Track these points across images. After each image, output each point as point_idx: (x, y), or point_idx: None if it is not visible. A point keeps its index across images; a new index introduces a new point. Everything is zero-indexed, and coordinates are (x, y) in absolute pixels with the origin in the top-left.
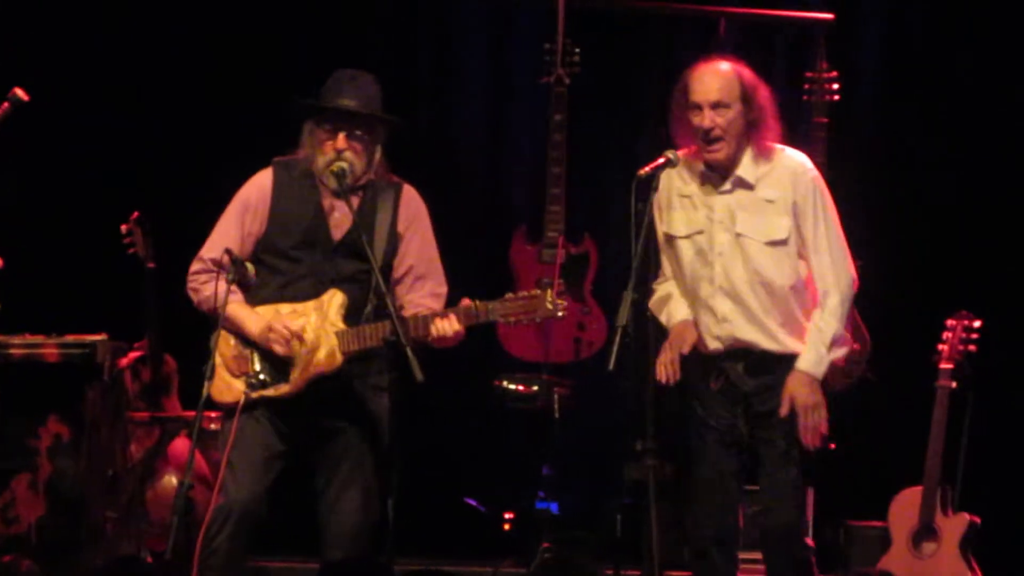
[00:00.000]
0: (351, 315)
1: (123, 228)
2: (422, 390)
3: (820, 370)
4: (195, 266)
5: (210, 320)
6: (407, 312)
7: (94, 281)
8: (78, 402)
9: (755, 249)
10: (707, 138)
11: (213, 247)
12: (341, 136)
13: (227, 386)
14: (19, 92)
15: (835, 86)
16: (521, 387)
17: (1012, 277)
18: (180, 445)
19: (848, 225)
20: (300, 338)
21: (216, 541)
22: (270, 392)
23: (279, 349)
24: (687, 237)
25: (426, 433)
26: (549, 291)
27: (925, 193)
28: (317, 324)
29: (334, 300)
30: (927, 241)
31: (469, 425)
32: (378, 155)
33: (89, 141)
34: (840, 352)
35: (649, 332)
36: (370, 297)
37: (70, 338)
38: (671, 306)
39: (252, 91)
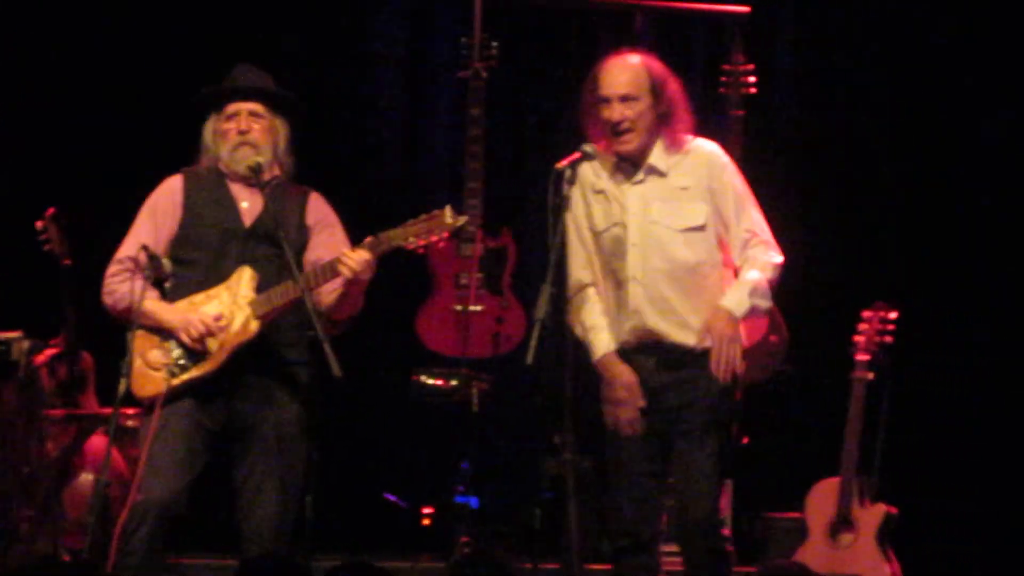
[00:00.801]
0: (262, 290)
1: (38, 225)
2: (341, 385)
3: (740, 311)
4: (111, 268)
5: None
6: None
7: (9, 278)
8: None
9: (670, 237)
10: (616, 130)
11: (128, 248)
12: (242, 116)
13: (148, 379)
14: None
15: (751, 79)
16: (440, 382)
17: (928, 268)
18: (97, 443)
19: (764, 217)
20: (219, 329)
21: (133, 538)
22: (193, 373)
23: (197, 346)
24: (606, 231)
25: (345, 428)
26: (448, 207)
27: (840, 185)
28: (229, 300)
29: (243, 275)
30: (843, 233)
31: (388, 420)
32: (283, 144)
33: (3, 137)
34: (764, 303)
35: (567, 325)
36: (281, 276)
37: None
38: (595, 336)
39: (167, 87)
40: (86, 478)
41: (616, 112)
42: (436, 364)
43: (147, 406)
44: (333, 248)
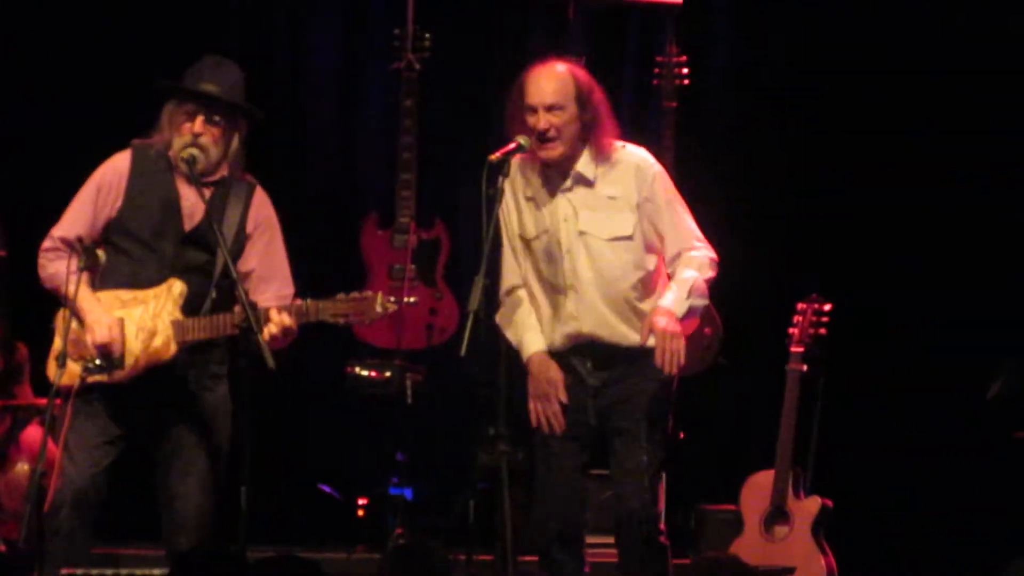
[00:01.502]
0: (190, 305)
1: None
2: (274, 377)
3: (680, 309)
4: (46, 243)
5: (55, 301)
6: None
7: None
8: None
9: (598, 246)
10: (542, 138)
11: (65, 226)
12: (199, 119)
13: (65, 369)
14: None
15: (684, 70)
16: (374, 373)
17: (862, 260)
18: (32, 432)
19: (697, 209)
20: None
21: (55, 523)
22: (103, 378)
23: (108, 348)
24: (536, 238)
25: (279, 420)
26: (380, 295)
27: (775, 176)
28: (155, 312)
29: (173, 289)
30: (777, 225)
31: (322, 411)
32: (235, 145)
33: None
34: (701, 302)
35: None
36: (211, 290)
37: None
38: (525, 335)
39: (105, 74)
40: (22, 468)
41: (542, 121)
42: (370, 355)
43: (64, 394)
44: (266, 259)
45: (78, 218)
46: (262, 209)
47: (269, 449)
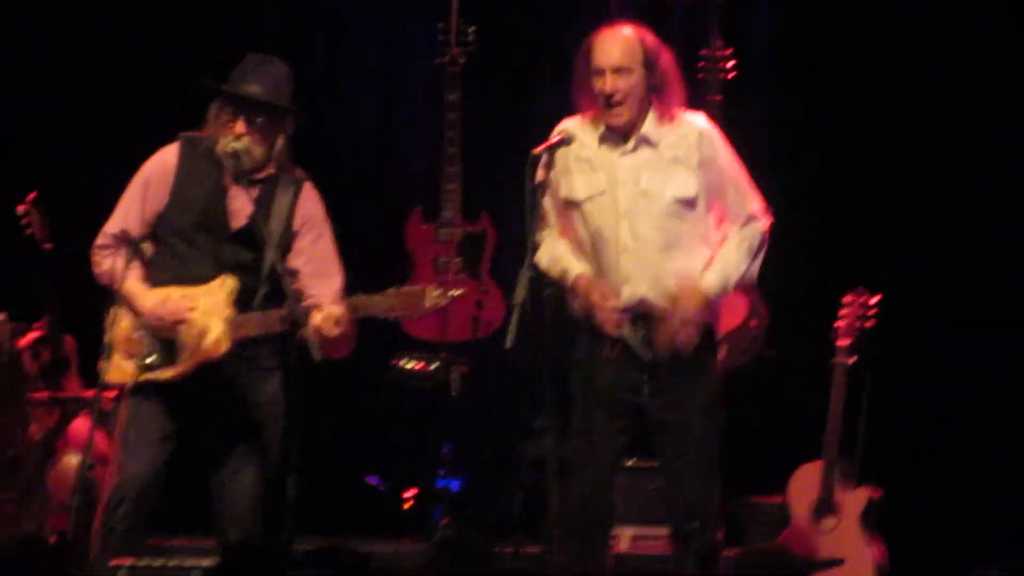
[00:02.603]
0: (241, 302)
1: (20, 209)
2: (321, 370)
3: (715, 295)
4: (100, 239)
5: (106, 298)
6: (317, 310)
7: None
8: None
9: (661, 207)
10: (609, 102)
11: (116, 222)
12: (240, 122)
13: (117, 367)
14: None
15: (729, 64)
16: (419, 366)
17: (908, 252)
18: (80, 425)
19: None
20: (182, 321)
21: (114, 521)
22: (158, 375)
23: (165, 334)
24: (588, 200)
25: (326, 412)
26: (429, 289)
27: (821, 168)
28: (207, 309)
29: (225, 285)
30: (824, 217)
31: (369, 404)
32: (279, 145)
33: None
34: (739, 283)
35: (546, 310)
36: (261, 286)
37: None
38: (565, 261)
39: (150, 70)
40: (70, 460)
41: (609, 84)
42: (415, 348)
43: (120, 392)
44: (314, 257)
45: (129, 213)
46: (310, 205)
47: (316, 441)
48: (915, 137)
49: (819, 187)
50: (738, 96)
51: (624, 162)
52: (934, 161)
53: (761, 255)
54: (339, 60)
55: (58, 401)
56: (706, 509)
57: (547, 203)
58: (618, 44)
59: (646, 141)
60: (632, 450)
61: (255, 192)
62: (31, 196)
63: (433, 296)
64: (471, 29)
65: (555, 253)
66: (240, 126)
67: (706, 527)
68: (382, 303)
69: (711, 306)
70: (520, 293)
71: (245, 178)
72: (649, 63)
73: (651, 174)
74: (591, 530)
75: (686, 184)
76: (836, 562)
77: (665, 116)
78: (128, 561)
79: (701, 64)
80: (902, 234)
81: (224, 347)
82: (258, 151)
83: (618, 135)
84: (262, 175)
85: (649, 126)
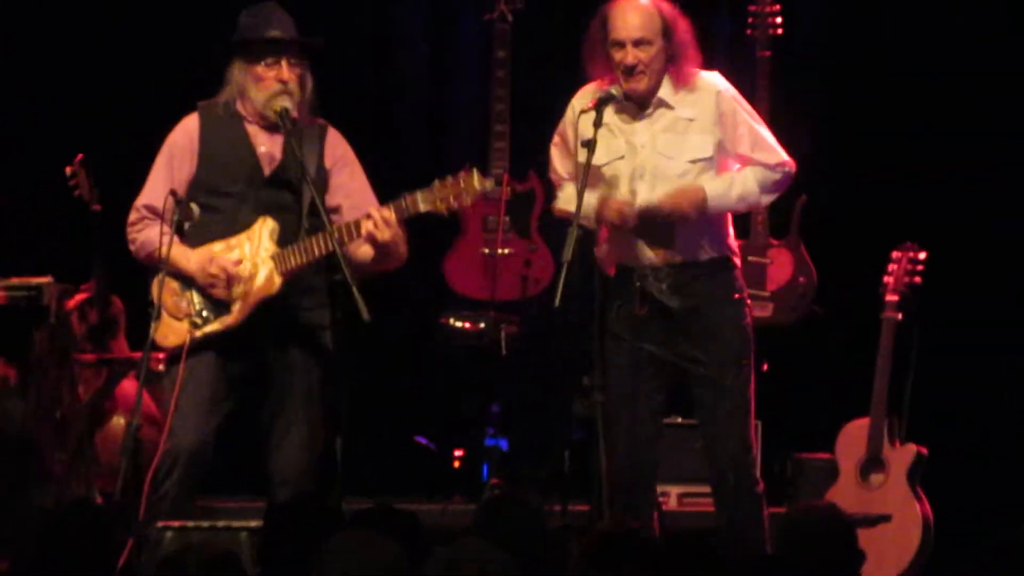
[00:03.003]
0: (284, 241)
1: (67, 170)
2: (369, 329)
3: (714, 203)
4: (132, 216)
5: (149, 271)
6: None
7: (39, 223)
8: (25, 345)
9: (678, 168)
10: (629, 72)
11: (147, 195)
12: (284, 64)
13: (170, 329)
14: None
15: (778, 19)
16: (468, 324)
17: (957, 208)
18: (128, 386)
19: (792, 158)
20: (237, 279)
21: (165, 484)
22: (215, 326)
23: (219, 292)
24: (607, 164)
25: (374, 372)
26: (475, 171)
27: (870, 125)
28: (251, 252)
29: (265, 226)
30: (872, 173)
31: (417, 363)
32: (310, 87)
33: (33, 82)
34: (741, 205)
35: (595, 268)
36: (302, 221)
37: (16, 281)
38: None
39: (193, 29)
40: (118, 422)
41: (630, 56)
42: (464, 307)
43: (170, 355)
44: (352, 191)
45: (156, 185)
46: (338, 146)
47: (365, 401)
48: (965, 88)
49: (868, 142)
50: (787, 52)
51: (641, 126)
52: (985, 113)
53: (775, 192)
54: (388, 19)
55: (106, 362)
56: (743, 459)
57: (557, 153)
58: (638, 16)
59: (663, 104)
60: (676, 408)
61: (280, 138)
62: (78, 158)
63: (481, 179)
64: None
65: (568, 193)
66: (285, 71)
67: (744, 478)
68: (430, 196)
69: (703, 208)
70: (569, 251)
71: (291, 128)
72: (668, 33)
73: (668, 136)
74: (635, 489)
75: (703, 145)
76: (883, 518)
77: (680, 79)
78: (175, 523)
79: (750, 20)
80: (951, 189)
81: (277, 283)
82: (298, 95)
83: (634, 101)
84: (292, 116)
85: (666, 90)
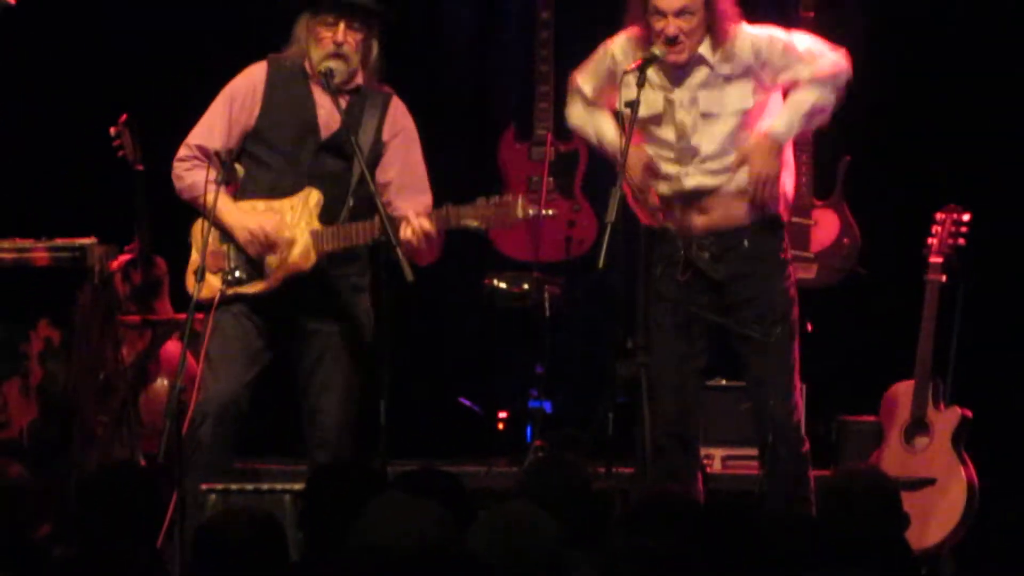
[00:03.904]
0: (327, 214)
1: (111, 131)
2: (413, 290)
3: (787, 135)
4: (181, 151)
5: (190, 215)
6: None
7: (83, 184)
8: (69, 306)
9: (724, 128)
10: (671, 42)
11: (200, 134)
12: (341, 27)
13: (204, 282)
14: None
15: None
16: (511, 286)
17: (1001, 170)
18: (172, 348)
19: (834, 120)
20: (275, 245)
21: (197, 435)
22: (245, 289)
23: (253, 250)
24: (646, 120)
25: (418, 334)
26: (521, 198)
27: (913, 86)
28: (292, 222)
29: (311, 198)
30: (916, 135)
31: (461, 325)
32: (374, 54)
33: (77, 43)
34: (817, 120)
35: (641, 229)
36: (348, 198)
37: (60, 242)
38: (600, 123)
39: None
40: (161, 383)
41: (672, 27)
42: (508, 268)
43: (204, 307)
44: (405, 169)
45: (214, 127)
46: (399, 119)
47: (408, 363)
48: (1015, 48)
49: (912, 103)
50: (831, 10)
51: (680, 83)
52: None
53: (836, 85)
54: None
55: (150, 324)
56: (789, 419)
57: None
58: None
59: (701, 62)
60: (721, 370)
61: (343, 103)
62: (123, 118)
63: (524, 207)
64: None
65: (588, 112)
66: (340, 33)
67: (789, 438)
68: (472, 213)
69: (779, 152)
70: (612, 212)
71: (336, 92)
72: (709, 4)
73: (708, 93)
74: (678, 452)
75: (743, 96)
76: (928, 481)
77: (719, 39)
78: (219, 485)
79: None
80: (996, 150)
81: (312, 260)
82: (354, 60)
83: (673, 67)
84: (351, 86)
85: (704, 48)
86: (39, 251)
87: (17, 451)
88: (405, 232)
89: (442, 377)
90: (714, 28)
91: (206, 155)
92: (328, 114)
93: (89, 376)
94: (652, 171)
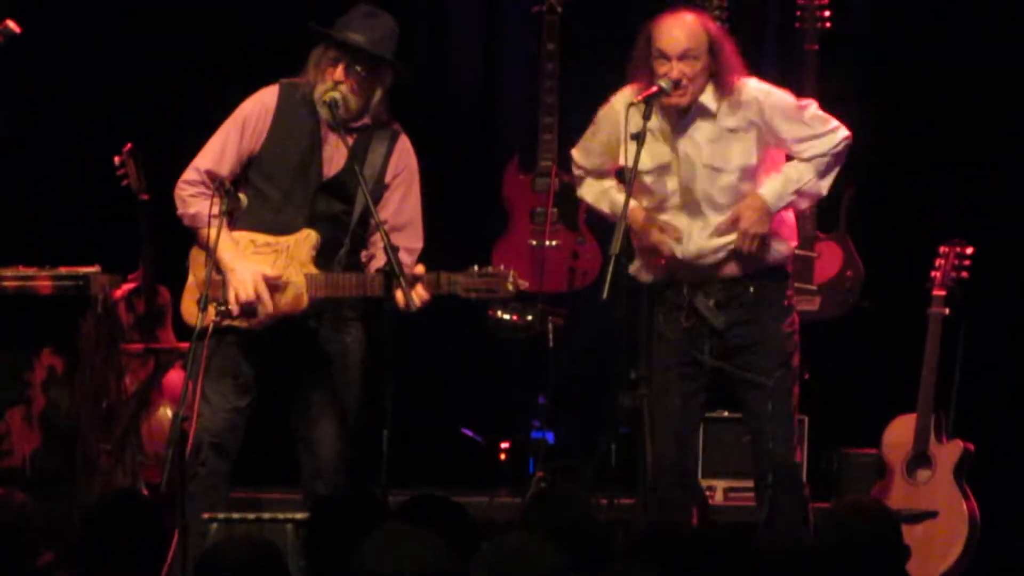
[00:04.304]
0: (324, 256)
1: (116, 160)
2: (417, 320)
3: (778, 204)
4: (189, 174)
5: (194, 240)
6: (376, 263)
7: (87, 213)
8: (72, 335)
9: (728, 181)
10: (674, 87)
11: (210, 158)
12: (341, 67)
13: (196, 308)
14: (11, 24)
15: (827, 13)
16: (515, 316)
17: (1004, 204)
18: (174, 377)
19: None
20: (267, 299)
21: (195, 467)
22: (237, 322)
23: (243, 297)
24: (650, 171)
25: (421, 363)
26: (512, 273)
27: (918, 120)
28: (287, 263)
29: (308, 240)
30: (920, 168)
31: (464, 355)
32: (377, 97)
33: (82, 71)
34: (806, 202)
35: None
36: (346, 240)
37: (63, 270)
38: (613, 197)
39: (245, 20)
40: (164, 412)
41: (675, 70)
42: (512, 299)
43: (197, 334)
44: (399, 211)
45: (225, 151)
46: (403, 158)
47: (411, 393)
48: (1016, 84)
49: (916, 136)
50: (835, 45)
51: (684, 135)
52: None
53: (834, 167)
54: (437, 7)
55: (153, 352)
56: (789, 463)
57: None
58: (684, 31)
59: (704, 112)
60: (723, 402)
61: (350, 141)
62: (127, 147)
63: (515, 280)
64: None
65: (600, 187)
66: (339, 72)
67: (790, 482)
68: (464, 282)
69: (769, 215)
70: (616, 244)
71: (341, 127)
72: (713, 50)
73: (713, 146)
74: (676, 489)
75: (746, 151)
76: (930, 514)
77: (724, 89)
78: (221, 515)
79: (798, 13)
80: (999, 184)
81: (303, 304)
82: (354, 101)
83: (676, 109)
84: (358, 124)
85: (707, 97)
86: (43, 279)
87: (20, 479)
88: (399, 297)
89: (445, 407)
90: (718, 76)
91: (214, 180)
92: (333, 151)
93: (92, 405)
94: (661, 231)
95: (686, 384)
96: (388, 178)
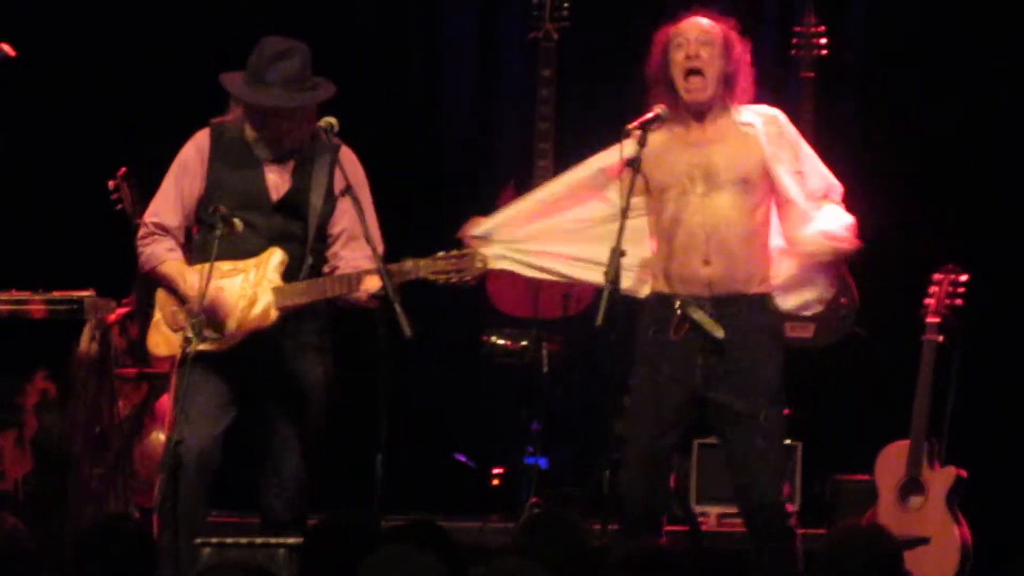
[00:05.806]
0: (289, 273)
1: (110, 184)
2: (411, 346)
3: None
4: (141, 231)
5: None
6: (340, 271)
7: (81, 237)
8: (65, 359)
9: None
10: (690, 70)
11: (155, 212)
12: (271, 125)
13: (164, 339)
14: (6, 48)
15: (823, 40)
16: (509, 342)
17: (998, 231)
18: (167, 401)
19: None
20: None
21: (181, 490)
22: (206, 346)
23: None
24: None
25: (414, 389)
26: (478, 251)
27: (912, 148)
28: (255, 280)
29: (273, 257)
30: (914, 195)
31: (458, 380)
32: (308, 117)
33: (76, 96)
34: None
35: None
36: (307, 255)
37: (57, 294)
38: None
39: (240, 46)
40: (157, 437)
41: (692, 48)
42: (506, 325)
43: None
44: (353, 221)
45: (166, 201)
46: (348, 169)
47: (405, 418)
48: (1011, 110)
49: (911, 162)
50: (830, 73)
51: (695, 149)
52: None
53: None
54: (433, 33)
55: (146, 377)
56: (775, 498)
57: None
58: (700, 22)
59: (715, 129)
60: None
61: (291, 163)
62: (121, 171)
63: (482, 257)
64: (565, 3)
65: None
66: (266, 118)
67: (776, 516)
68: (431, 266)
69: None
70: (611, 270)
71: (279, 158)
72: (727, 48)
73: (723, 162)
74: (643, 526)
75: (754, 165)
76: (922, 540)
77: (732, 104)
78: (213, 539)
79: (794, 40)
80: (994, 211)
81: (272, 317)
82: (288, 142)
83: (683, 127)
84: (295, 146)
85: (716, 113)
86: (36, 303)
87: (12, 504)
88: (367, 283)
89: (438, 432)
90: (730, 83)
91: (164, 229)
92: (276, 177)
93: (84, 429)
94: None
95: (663, 413)
96: (337, 189)
